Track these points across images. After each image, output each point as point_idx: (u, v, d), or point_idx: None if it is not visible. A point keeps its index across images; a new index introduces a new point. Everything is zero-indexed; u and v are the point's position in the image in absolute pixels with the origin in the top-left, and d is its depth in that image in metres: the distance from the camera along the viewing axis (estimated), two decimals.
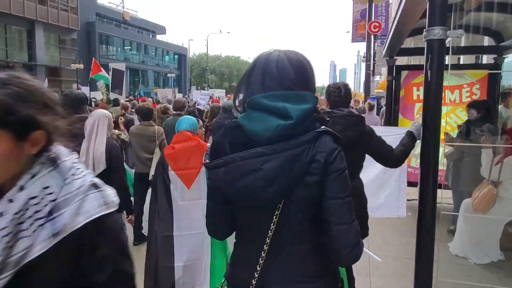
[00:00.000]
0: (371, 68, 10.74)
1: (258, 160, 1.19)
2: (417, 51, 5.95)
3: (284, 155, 1.18)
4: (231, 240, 1.56)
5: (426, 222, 1.91)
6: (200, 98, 11.98)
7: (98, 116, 3.24)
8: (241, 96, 1.36)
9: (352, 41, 24.80)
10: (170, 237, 3.09)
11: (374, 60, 9.55)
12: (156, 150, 4.78)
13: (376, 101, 9.13)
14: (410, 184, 4.51)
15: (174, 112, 6.02)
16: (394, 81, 5.46)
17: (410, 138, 2.71)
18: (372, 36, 10.44)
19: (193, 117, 3.33)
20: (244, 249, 1.41)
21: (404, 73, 5.41)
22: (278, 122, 1.18)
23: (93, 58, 13.31)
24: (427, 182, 1.82)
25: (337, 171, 1.23)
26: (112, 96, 10.49)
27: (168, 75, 51.19)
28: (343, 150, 1.27)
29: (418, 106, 5.41)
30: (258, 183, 1.19)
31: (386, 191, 3.88)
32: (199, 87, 45.04)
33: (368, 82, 11.73)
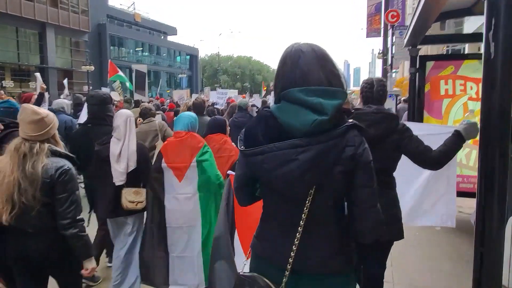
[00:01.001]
0: (389, 63, 9.95)
1: (294, 151, 1.30)
2: (446, 39, 5.17)
3: (318, 147, 1.29)
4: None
5: (491, 266, 1.30)
6: (218, 97, 12.05)
7: (127, 115, 3.30)
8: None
9: (367, 37, 23.86)
10: (164, 228, 3.14)
11: (392, 53, 8.77)
12: (159, 142, 4.92)
13: (395, 99, 8.30)
14: None
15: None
16: (417, 74, 4.74)
17: (455, 139, 2.49)
18: (390, 27, 9.63)
19: (192, 115, 3.36)
20: (272, 228, 1.54)
21: (429, 65, 4.67)
22: (314, 117, 1.28)
23: (109, 60, 13.55)
24: (489, 202, 1.35)
25: (366, 163, 1.37)
26: (136, 97, 10.37)
27: (180, 75, 51.06)
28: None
29: (447, 103, 4.67)
30: (294, 172, 1.31)
31: (432, 197, 3.37)
32: (215, 88, 44.77)
33: (385, 79, 10.96)
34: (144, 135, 4.95)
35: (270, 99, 12.25)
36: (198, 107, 5.94)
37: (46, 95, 6.94)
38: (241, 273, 1.59)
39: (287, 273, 1.43)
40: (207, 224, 3.14)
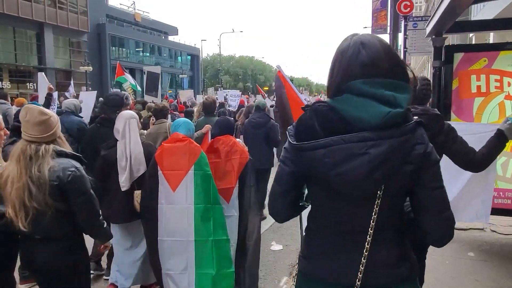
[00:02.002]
0: (402, 57, 9.26)
1: (363, 144, 1.21)
2: (481, 25, 4.41)
3: (390, 142, 1.21)
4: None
5: None
6: (231, 99, 11.94)
7: (127, 117, 3.20)
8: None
9: (372, 33, 22.86)
10: (155, 240, 2.96)
11: (405, 47, 8.04)
12: None
13: None
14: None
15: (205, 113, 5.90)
16: (443, 68, 4.03)
17: (498, 140, 2.42)
18: (402, 18, 8.88)
19: (189, 121, 3.25)
20: (328, 240, 1.39)
21: (458, 57, 3.97)
22: (387, 110, 1.21)
23: (118, 62, 13.60)
24: None
25: (435, 162, 1.29)
26: (148, 99, 10.26)
27: (180, 76, 50.47)
28: None
29: (479, 102, 3.96)
30: (363, 167, 1.21)
31: (468, 192, 3.25)
32: (219, 88, 44.23)
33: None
34: (154, 137, 4.79)
35: (268, 102, 12.10)
36: (208, 107, 5.67)
37: (55, 95, 6.72)
38: None
39: None
40: (202, 239, 2.91)
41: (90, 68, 31.17)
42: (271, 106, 9.27)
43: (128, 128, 3.18)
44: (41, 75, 7.89)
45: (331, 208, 1.37)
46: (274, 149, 6.47)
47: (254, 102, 7.76)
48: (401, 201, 1.37)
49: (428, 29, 4.14)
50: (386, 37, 14.96)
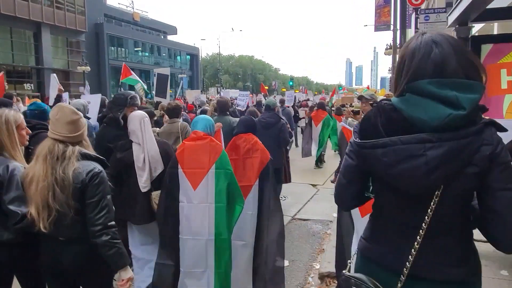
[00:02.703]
0: None
1: (421, 146, 1.22)
2: None
3: (450, 145, 1.20)
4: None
5: None
6: (239, 99, 11.87)
7: (140, 117, 3.19)
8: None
9: (375, 30, 22.57)
10: (175, 238, 2.95)
11: None
12: (180, 145, 4.81)
13: None
14: None
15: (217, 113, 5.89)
16: None
17: None
18: (413, 10, 8.44)
19: (210, 119, 3.18)
20: (387, 229, 1.45)
21: (486, 49, 3.56)
22: (448, 112, 1.19)
23: (124, 63, 13.29)
24: None
25: (505, 163, 1.24)
26: (157, 100, 10.44)
27: (180, 75, 50.07)
28: None
29: (510, 100, 3.55)
30: (420, 169, 1.22)
31: None
32: (219, 88, 43.87)
33: None
34: (167, 136, 4.78)
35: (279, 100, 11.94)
36: (223, 107, 5.65)
37: (65, 95, 6.67)
38: (346, 273, 1.49)
39: (403, 278, 1.36)
40: (222, 238, 2.89)
41: (88, 68, 30.77)
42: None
43: (143, 128, 3.16)
44: (53, 76, 7.80)
45: (389, 201, 1.43)
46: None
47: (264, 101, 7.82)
48: (465, 203, 1.35)
49: (451, 18, 3.71)
50: (389, 34, 14.63)
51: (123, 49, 47.04)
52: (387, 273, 1.41)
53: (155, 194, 3.14)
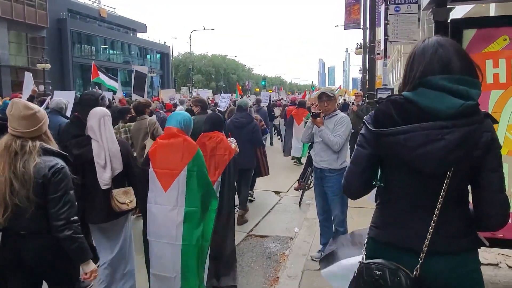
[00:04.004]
0: (382, 48, 8.19)
1: (439, 131, 1.40)
2: None
3: (464, 130, 1.39)
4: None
5: None
6: (221, 101, 11.97)
7: (101, 114, 3.13)
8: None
9: (345, 28, 22.26)
10: (146, 240, 2.94)
11: (385, 35, 7.04)
12: (148, 140, 4.99)
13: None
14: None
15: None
16: None
17: None
18: (383, 1, 7.87)
19: (186, 114, 3.12)
20: (400, 212, 1.58)
21: (469, 35, 2.90)
22: (461, 102, 1.38)
23: (93, 62, 13.34)
24: None
25: (498, 148, 1.49)
26: (135, 97, 10.65)
27: (149, 74, 48.52)
28: None
29: (497, 97, 2.91)
30: (440, 151, 1.39)
31: None
32: (190, 88, 42.79)
33: (372, 70, 9.19)
34: (137, 132, 5.11)
35: (251, 99, 12.83)
36: (204, 104, 5.87)
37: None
38: (364, 261, 1.58)
39: (423, 255, 1.48)
40: (190, 244, 2.82)
41: (48, 66, 29.09)
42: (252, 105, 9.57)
43: (103, 126, 3.08)
44: (28, 75, 7.76)
45: (405, 185, 1.57)
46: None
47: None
48: (467, 181, 1.55)
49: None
50: (359, 32, 14.19)
51: (89, 46, 45.08)
52: (406, 253, 1.50)
53: (115, 192, 3.07)
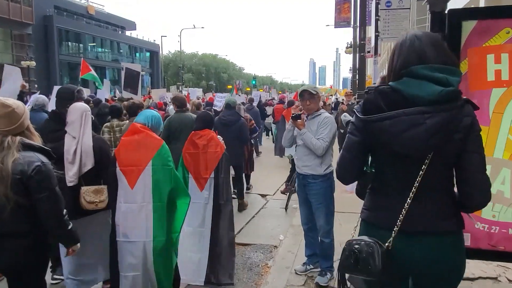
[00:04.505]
0: (372, 45, 7.94)
1: (421, 116, 1.50)
2: None
3: (443, 115, 1.50)
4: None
5: None
6: (217, 100, 12.24)
7: (83, 109, 3.10)
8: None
9: (336, 27, 22.02)
10: (114, 242, 2.92)
11: (376, 31, 6.78)
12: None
13: None
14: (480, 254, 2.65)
15: (177, 109, 5.93)
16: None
17: None
18: None
19: (156, 113, 3.16)
20: (388, 195, 1.71)
21: (468, 27, 2.60)
22: (441, 88, 1.50)
23: (82, 58, 13.72)
24: None
25: (478, 131, 1.61)
26: (126, 95, 10.68)
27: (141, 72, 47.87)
28: None
29: (499, 95, 2.62)
30: (422, 135, 1.50)
31: None
32: (178, 86, 42.35)
33: (362, 69, 8.91)
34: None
35: (240, 99, 12.98)
36: (181, 102, 5.81)
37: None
38: (349, 239, 1.70)
39: (396, 228, 1.61)
40: (160, 239, 2.82)
41: (33, 63, 28.44)
42: (243, 103, 9.78)
43: (84, 121, 3.04)
44: (12, 69, 7.40)
45: (391, 170, 1.69)
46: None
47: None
48: (450, 165, 1.64)
49: None
50: (350, 32, 13.96)
51: (76, 44, 44.26)
52: (386, 232, 1.64)
53: (84, 190, 2.98)
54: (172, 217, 2.91)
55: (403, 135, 1.51)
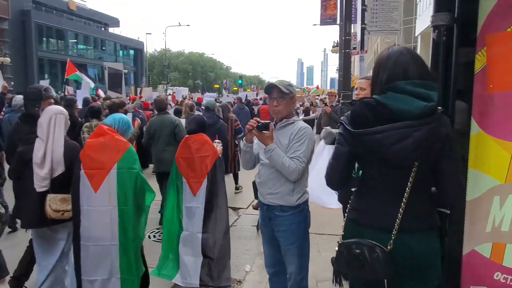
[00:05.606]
0: (358, 39, 7.23)
1: (408, 130, 1.64)
2: None
3: (427, 127, 1.63)
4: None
5: None
6: (206, 99, 12.14)
7: (54, 112, 3.01)
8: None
9: (321, 24, 21.45)
10: (77, 246, 2.86)
11: (363, 23, 6.07)
12: None
13: None
14: None
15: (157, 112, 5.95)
16: (454, 32, 1.96)
17: None
18: None
19: (125, 116, 3.17)
20: (377, 197, 1.85)
21: (487, 6, 1.90)
22: (424, 104, 1.63)
23: (68, 59, 13.46)
24: None
25: (453, 140, 1.75)
26: (112, 94, 10.52)
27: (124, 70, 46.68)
28: None
29: None
30: (409, 146, 1.64)
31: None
32: (163, 85, 41.39)
33: (347, 67, 8.18)
34: None
35: (224, 98, 12.99)
36: (160, 104, 5.81)
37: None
38: (342, 241, 1.82)
39: (395, 231, 1.74)
40: (126, 242, 2.81)
41: (8, 60, 27.24)
42: (229, 103, 9.85)
43: (53, 124, 2.94)
44: None
45: (379, 175, 1.82)
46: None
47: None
48: (431, 170, 1.79)
49: None
50: (336, 28, 13.36)
51: (56, 40, 42.86)
52: (380, 232, 1.77)
53: (51, 197, 2.87)
54: (138, 222, 2.90)
55: (393, 147, 1.65)
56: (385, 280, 1.87)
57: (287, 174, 2.57)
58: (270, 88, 2.72)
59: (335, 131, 3.21)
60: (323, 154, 3.47)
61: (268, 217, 2.77)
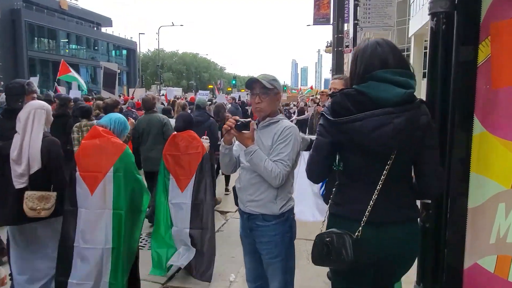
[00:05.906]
0: (351, 36, 7.04)
1: (388, 117, 1.63)
2: None
3: (407, 114, 1.63)
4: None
5: None
6: (197, 97, 11.52)
7: (33, 107, 2.94)
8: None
9: (314, 24, 21.37)
10: (70, 248, 2.80)
11: (356, 19, 5.88)
12: None
13: None
14: None
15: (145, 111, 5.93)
16: (455, 16, 1.77)
17: None
18: None
19: (121, 116, 3.11)
20: (355, 189, 1.85)
21: None
22: (403, 91, 1.64)
23: (62, 60, 13.48)
24: None
25: (434, 129, 1.76)
26: (105, 94, 10.50)
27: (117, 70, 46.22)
28: None
29: None
30: (389, 133, 1.63)
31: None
32: (157, 86, 41.12)
33: (340, 65, 8.05)
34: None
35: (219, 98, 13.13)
36: (147, 104, 5.81)
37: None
38: (318, 233, 1.83)
39: (365, 218, 1.74)
40: (119, 247, 2.76)
41: None
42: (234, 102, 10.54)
43: (31, 119, 2.86)
44: None
45: (359, 166, 1.82)
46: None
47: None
48: (411, 160, 1.80)
49: None
50: (329, 28, 13.27)
51: (47, 40, 42.33)
52: (351, 222, 1.77)
53: (28, 195, 2.76)
54: (134, 226, 2.87)
55: (373, 134, 1.64)
56: (366, 270, 1.85)
57: (270, 180, 2.32)
58: (252, 83, 2.42)
59: (307, 137, 2.91)
60: (300, 163, 2.97)
61: (248, 227, 2.50)
